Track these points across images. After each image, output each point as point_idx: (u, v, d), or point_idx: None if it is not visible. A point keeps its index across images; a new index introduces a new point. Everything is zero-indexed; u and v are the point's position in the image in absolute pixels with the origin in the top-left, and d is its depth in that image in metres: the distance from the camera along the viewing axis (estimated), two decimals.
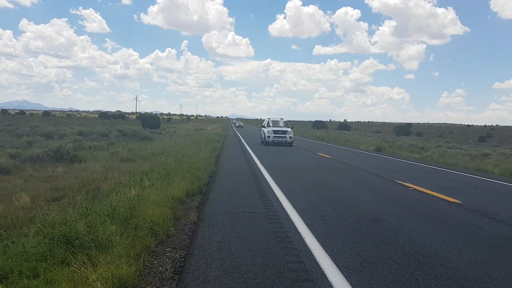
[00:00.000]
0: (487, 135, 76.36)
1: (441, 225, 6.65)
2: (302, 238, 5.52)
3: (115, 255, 4.20)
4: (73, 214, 5.07)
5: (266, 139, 27.91)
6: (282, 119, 30.86)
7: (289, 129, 28.28)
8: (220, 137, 35.56)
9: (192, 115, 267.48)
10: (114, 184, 9.55)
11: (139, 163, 14.66)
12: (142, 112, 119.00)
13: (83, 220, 4.67)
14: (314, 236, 5.62)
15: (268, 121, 30.14)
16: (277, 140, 27.41)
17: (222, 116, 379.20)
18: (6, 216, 7.12)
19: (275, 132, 27.76)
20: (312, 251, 4.96)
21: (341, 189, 10.28)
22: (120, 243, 4.51)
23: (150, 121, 56.81)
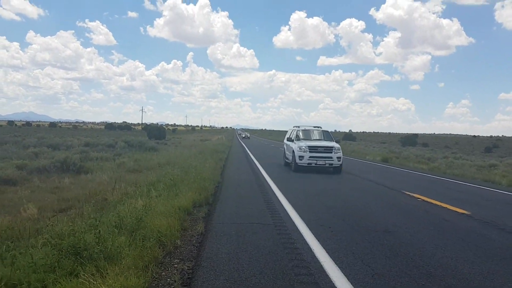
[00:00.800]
0: (493, 145, 76.02)
1: (452, 236, 6.56)
2: (311, 250, 5.46)
3: (123, 267, 4.17)
4: (82, 225, 5.05)
5: (297, 160, 17.02)
6: (320, 127, 19.90)
7: (335, 145, 17.38)
8: (226, 148, 35.57)
9: (197, 126, 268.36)
10: (121, 195, 9.55)
11: (146, 173, 14.67)
12: (148, 123, 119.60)
13: (92, 231, 4.66)
14: (323, 247, 5.57)
15: (297, 132, 19.13)
16: (316, 163, 16.75)
17: (227, 127, 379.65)
18: (13, 227, 7.12)
19: (312, 149, 17.00)
20: (322, 263, 4.90)
21: (348, 199, 10.21)
22: (128, 254, 4.49)
23: (156, 132, 57.02)
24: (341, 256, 5.23)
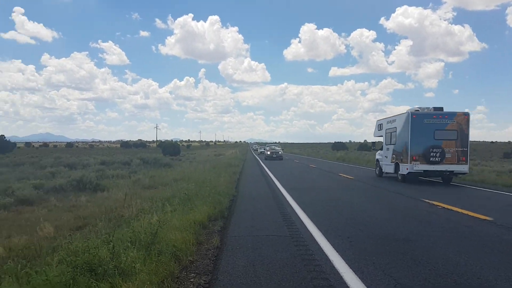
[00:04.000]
0: None
1: (475, 243, 6.35)
2: (330, 261, 5.31)
3: (138, 282, 4.10)
4: (96, 241, 5.01)
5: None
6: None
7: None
8: (240, 162, 35.52)
9: (211, 141, 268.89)
10: (137, 211, 9.54)
11: (161, 189, 14.68)
12: (163, 140, 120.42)
13: (106, 247, 4.61)
14: (342, 258, 5.41)
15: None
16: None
17: (240, 141, 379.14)
18: (30, 246, 7.14)
19: None
20: (342, 274, 4.75)
21: (366, 209, 10.01)
22: (143, 269, 4.41)
23: (170, 148, 57.39)
24: (361, 266, 5.08)
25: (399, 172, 17.36)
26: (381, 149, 20.44)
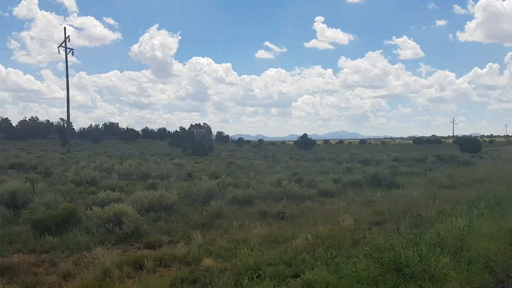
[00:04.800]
0: None
1: None
2: None
3: None
4: (401, 240, 4.87)
5: None
6: None
7: None
8: None
9: None
10: (436, 212, 8.96)
11: (461, 190, 13.43)
12: (460, 135, 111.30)
13: (412, 248, 4.40)
14: None
15: None
16: None
17: None
18: (333, 236, 7.67)
19: None
20: None
21: None
22: (454, 277, 3.99)
23: (469, 144, 52.47)
24: None
25: None
26: None
